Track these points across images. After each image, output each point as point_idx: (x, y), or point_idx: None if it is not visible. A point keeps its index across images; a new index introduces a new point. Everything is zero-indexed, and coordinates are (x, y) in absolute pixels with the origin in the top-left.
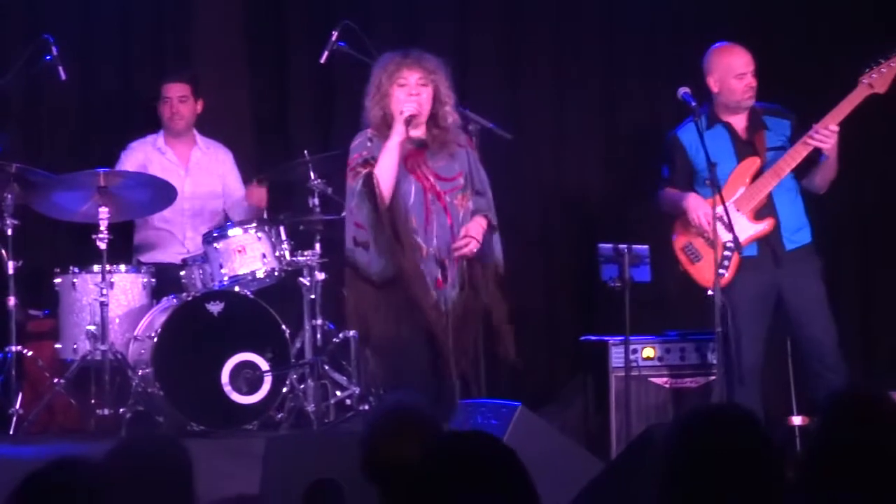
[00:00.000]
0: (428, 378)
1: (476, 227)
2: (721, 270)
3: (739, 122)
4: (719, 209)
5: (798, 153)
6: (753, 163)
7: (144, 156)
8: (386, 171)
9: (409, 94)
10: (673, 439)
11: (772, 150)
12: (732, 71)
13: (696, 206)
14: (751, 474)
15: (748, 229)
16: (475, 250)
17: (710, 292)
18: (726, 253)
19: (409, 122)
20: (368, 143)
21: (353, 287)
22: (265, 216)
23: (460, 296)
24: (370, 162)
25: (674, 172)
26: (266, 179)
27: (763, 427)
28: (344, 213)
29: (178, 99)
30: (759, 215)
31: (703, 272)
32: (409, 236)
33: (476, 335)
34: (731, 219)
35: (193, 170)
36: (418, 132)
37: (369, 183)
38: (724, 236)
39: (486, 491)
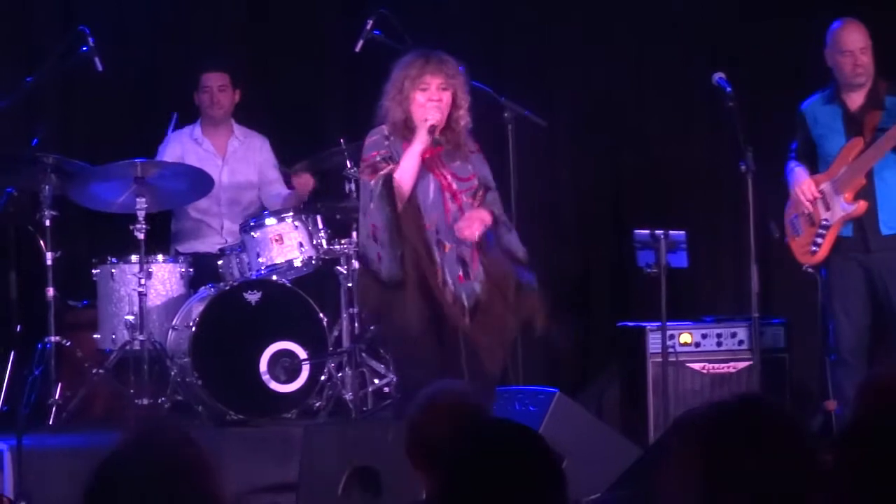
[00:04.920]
0: (438, 371)
1: (482, 213)
2: (813, 248)
3: (856, 99)
4: (822, 186)
5: None
6: (857, 143)
7: (181, 147)
8: (407, 174)
9: (430, 98)
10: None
11: (882, 130)
12: (838, 47)
13: (799, 181)
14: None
15: (842, 210)
16: (477, 234)
17: (805, 267)
18: (820, 231)
19: (433, 130)
20: (386, 142)
21: (362, 280)
22: (302, 206)
23: (484, 288)
24: (388, 161)
25: (800, 145)
26: (305, 168)
27: (791, 415)
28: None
29: (218, 88)
30: (858, 196)
31: (800, 247)
32: (422, 237)
33: (506, 324)
34: (830, 198)
35: (231, 159)
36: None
37: (389, 184)
38: (824, 214)
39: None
